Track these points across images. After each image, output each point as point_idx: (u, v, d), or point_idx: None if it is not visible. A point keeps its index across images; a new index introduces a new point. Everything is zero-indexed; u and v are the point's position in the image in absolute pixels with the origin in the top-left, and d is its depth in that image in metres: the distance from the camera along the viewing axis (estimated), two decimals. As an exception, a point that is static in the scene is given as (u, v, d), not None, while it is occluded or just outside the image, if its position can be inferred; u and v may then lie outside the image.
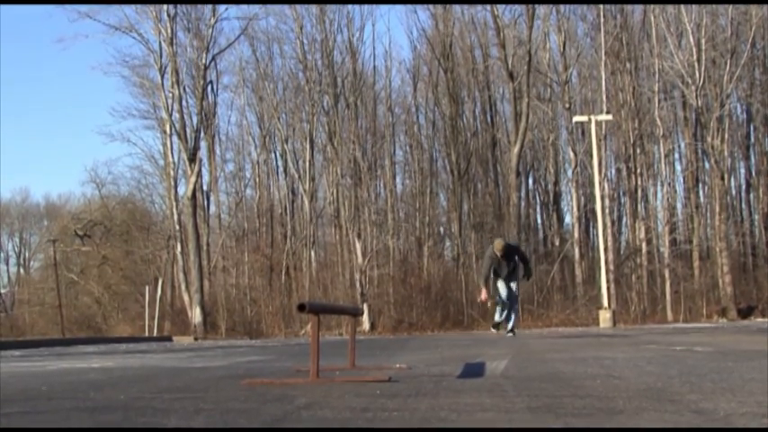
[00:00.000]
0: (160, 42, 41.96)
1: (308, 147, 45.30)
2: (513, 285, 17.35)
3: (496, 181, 45.51)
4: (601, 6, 41.57)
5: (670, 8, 40.85)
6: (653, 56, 41.39)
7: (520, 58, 41.26)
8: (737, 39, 40.27)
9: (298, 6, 44.72)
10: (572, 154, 42.97)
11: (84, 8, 41.18)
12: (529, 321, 36.70)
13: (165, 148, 46.10)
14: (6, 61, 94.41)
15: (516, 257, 17.62)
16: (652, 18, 41.22)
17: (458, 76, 45.76)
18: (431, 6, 45.56)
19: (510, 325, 17.34)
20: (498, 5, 41.35)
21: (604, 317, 31.61)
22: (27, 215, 79.45)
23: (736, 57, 39.40)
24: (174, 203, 44.11)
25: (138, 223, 56.51)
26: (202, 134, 44.02)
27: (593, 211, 39.40)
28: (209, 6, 42.57)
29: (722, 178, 39.58)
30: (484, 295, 17.14)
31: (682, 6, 39.80)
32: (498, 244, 17.39)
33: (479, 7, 44.09)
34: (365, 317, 37.14)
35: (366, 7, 46.66)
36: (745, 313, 36.74)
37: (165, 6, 41.65)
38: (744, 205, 46.09)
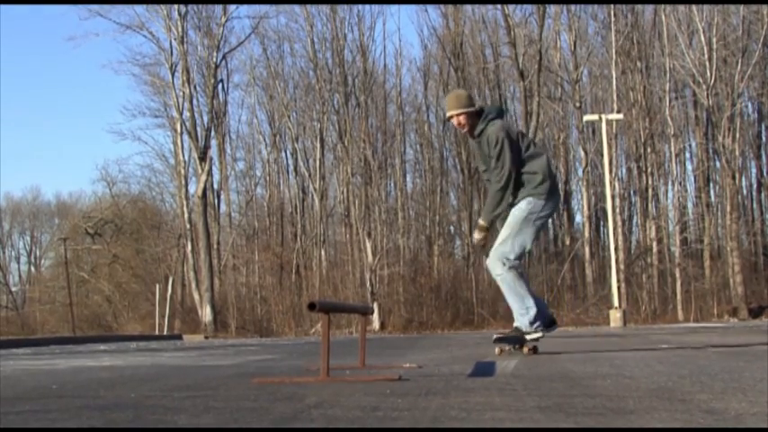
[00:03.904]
0: (171, 41, 42.12)
1: (318, 145, 45.36)
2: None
3: (507, 180, 45.40)
4: (612, 5, 41.54)
5: (681, 7, 40.81)
6: (664, 55, 41.33)
7: (530, 57, 41.24)
8: (749, 38, 40.19)
9: (308, 5, 44.80)
10: (582, 153, 42.95)
11: (95, 6, 41.39)
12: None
13: (175, 147, 46.28)
14: (17, 59, 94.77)
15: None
16: (663, 17, 41.15)
17: (468, 74, 45.73)
18: (441, 5, 45.57)
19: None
20: (509, 4, 41.38)
21: (615, 316, 31.57)
22: (38, 213, 79.72)
23: (747, 56, 39.34)
24: (185, 202, 44.22)
25: (149, 222, 56.67)
26: (213, 133, 44.17)
27: (604, 211, 39.36)
28: (220, 5, 42.68)
29: (733, 177, 39.50)
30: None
31: (693, 5, 39.75)
32: (451, 98, 8.36)
33: (490, 6, 44.12)
34: (375, 316, 37.16)
35: (376, 6, 46.73)
36: (756, 313, 36.67)
37: (175, 5, 41.76)
38: (755, 205, 46.02)
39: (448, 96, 8.57)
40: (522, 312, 7.93)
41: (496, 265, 7.99)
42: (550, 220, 50.38)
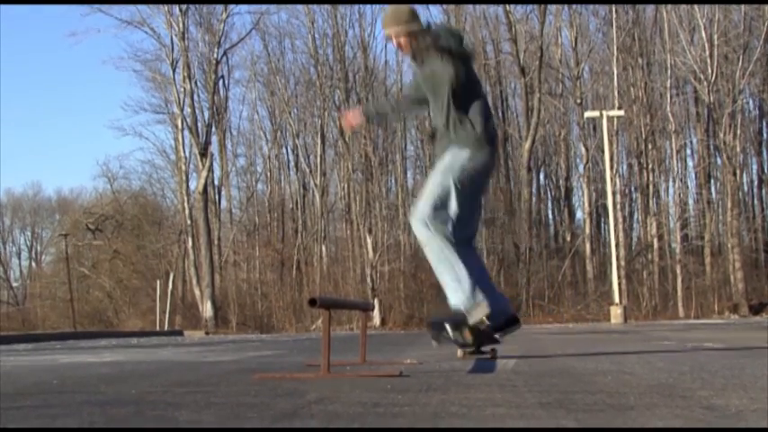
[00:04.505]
0: (172, 37, 42.12)
1: (319, 142, 45.35)
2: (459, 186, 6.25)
3: (508, 176, 45.48)
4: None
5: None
6: (665, 51, 41.31)
7: (531, 54, 41.22)
8: (750, 34, 40.17)
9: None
10: (583, 149, 42.93)
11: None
12: (540, 317, 36.69)
13: (176, 143, 46.30)
14: (18, 55, 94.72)
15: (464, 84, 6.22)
16: (664, 13, 41.13)
17: (469, 70, 45.63)
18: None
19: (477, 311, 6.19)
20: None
21: (615, 313, 31.58)
22: (39, 209, 79.69)
23: (748, 52, 39.32)
24: (186, 198, 44.22)
25: (150, 218, 56.67)
26: (214, 129, 44.15)
27: (605, 207, 39.36)
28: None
29: (734, 174, 39.48)
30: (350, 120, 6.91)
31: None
32: (389, 14, 6.44)
33: (491, 2, 44.04)
34: (376, 312, 37.17)
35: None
36: (756, 309, 36.67)
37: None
38: (756, 201, 46.01)
39: (385, 12, 6.53)
40: (454, 286, 6.16)
41: (420, 228, 6.23)
42: (551, 218, 50.73)
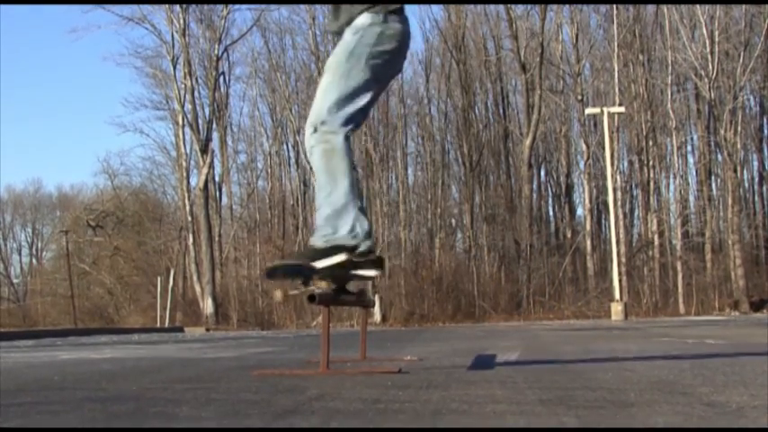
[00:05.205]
0: (173, 33, 42.11)
1: (320, 138, 45.31)
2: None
3: (508, 173, 45.46)
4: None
5: (683, 0, 40.77)
6: (666, 48, 41.27)
7: (532, 50, 41.22)
8: (751, 31, 40.15)
9: (310, -2, 44.78)
10: (584, 146, 42.91)
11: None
12: (540, 314, 36.68)
13: (177, 140, 46.29)
14: (19, 51, 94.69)
15: None
16: (665, 10, 41.08)
17: (470, 67, 45.66)
18: (444, -2, 45.47)
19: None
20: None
21: (616, 309, 31.59)
22: (40, 206, 79.66)
23: (749, 49, 39.28)
24: (186, 194, 44.23)
25: (151, 214, 56.68)
26: (214, 125, 44.12)
27: (606, 204, 39.35)
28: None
29: (735, 171, 39.47)
30: None
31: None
32: None
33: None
34: (376, 308, 37.14)
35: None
36: (757, 306, 36.66)
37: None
38: (757, 198, 45.99)
39: None
40: (332, 215, 4.64)
41: (307, 133, 4.76)
42: (551, 214, 50.80)
